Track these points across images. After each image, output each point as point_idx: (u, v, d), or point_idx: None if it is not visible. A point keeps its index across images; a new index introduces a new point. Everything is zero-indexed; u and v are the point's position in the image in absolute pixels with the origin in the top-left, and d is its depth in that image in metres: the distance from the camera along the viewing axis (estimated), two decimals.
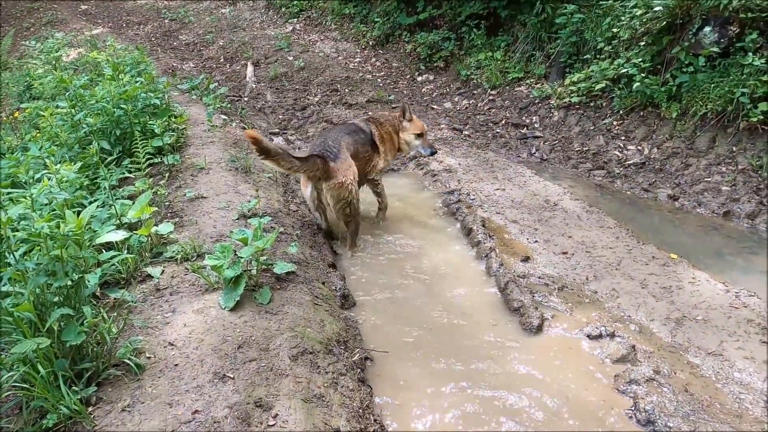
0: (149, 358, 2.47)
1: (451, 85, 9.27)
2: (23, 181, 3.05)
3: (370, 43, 11.18)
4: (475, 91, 8.81)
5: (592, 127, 6.92)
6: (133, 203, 3.35)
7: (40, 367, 2.10)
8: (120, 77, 4.91)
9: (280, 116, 8.20)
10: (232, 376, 2.40)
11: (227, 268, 2.94)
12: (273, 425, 2.21)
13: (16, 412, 2.21)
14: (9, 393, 2.21)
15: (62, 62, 7.72)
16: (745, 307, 3.53)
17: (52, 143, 4.33)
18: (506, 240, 4.52)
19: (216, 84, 8.87)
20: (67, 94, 4.82)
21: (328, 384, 2.59)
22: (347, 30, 11.92)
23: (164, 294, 2.99)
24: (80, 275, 2.39)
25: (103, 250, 2.91)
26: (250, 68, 10.35)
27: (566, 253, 4.28)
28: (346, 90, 9.24)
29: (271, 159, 3.78)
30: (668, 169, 5.88)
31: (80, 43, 10.97)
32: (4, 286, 2.32)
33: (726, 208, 5.05)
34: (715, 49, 5.82)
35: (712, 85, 5.79)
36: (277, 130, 7.54)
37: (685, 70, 6.08)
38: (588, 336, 3.29)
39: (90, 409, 2.19)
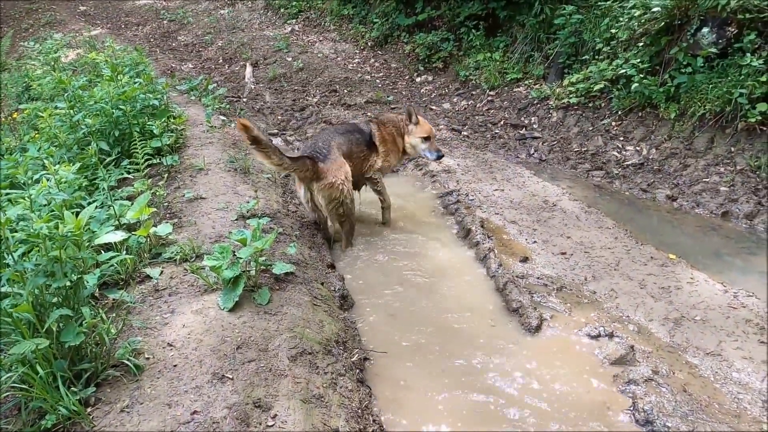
0: (148, 358, 2.47)
1: (450, 86, 9.27)
2: (22, 181, 3.05)
3: (369, 43, 11.18)
4: (473, 92, 8.81)
5: (590, 128, 6.93)
6: (132, 204, 3.36)
7: (39, 368, 2.10)
8: (119, 78, 4.91)
9: (279, 117, 8.19)
10: (231, 376, 2.40)
11: (226, 269, 2.94)
12: (272, 426, 2.21)
13: (15, 413, 2.21)
14: (8, 394, 2.21)
15: (61, 63, 7.72)
16: (744, 307, 3.53)
17: (50, 144, 4.33)
18: (505, 240, 4.53)
19: (215, 85, 8.88)
20: (66, 95, 4.82)
21: (327, 384, 2.59)
22: (346, 31, 11.92)
23: (163, 295, 2.99)
24: (79, 276, 2.39)
25: (102, 251, 2.92)
26: (248, 69, 10.35)
27: (565, 254, 4.28)
28: (345, 91, 9.24)
29: (261, 150, 3.76)
30: (667, 170, 5.89)
31: (79, 44, 10.96)
32: (3, 286, 2.33)
33: (724, 209, 5.05)
34: (713, 50, 5.83)
35: (711, 86, 5.80)
36: (276, 131, 7.54)
37: (683, 70, 6.09)
38: (587, 336, 3.30)
39: (89, 409, 2.19)
